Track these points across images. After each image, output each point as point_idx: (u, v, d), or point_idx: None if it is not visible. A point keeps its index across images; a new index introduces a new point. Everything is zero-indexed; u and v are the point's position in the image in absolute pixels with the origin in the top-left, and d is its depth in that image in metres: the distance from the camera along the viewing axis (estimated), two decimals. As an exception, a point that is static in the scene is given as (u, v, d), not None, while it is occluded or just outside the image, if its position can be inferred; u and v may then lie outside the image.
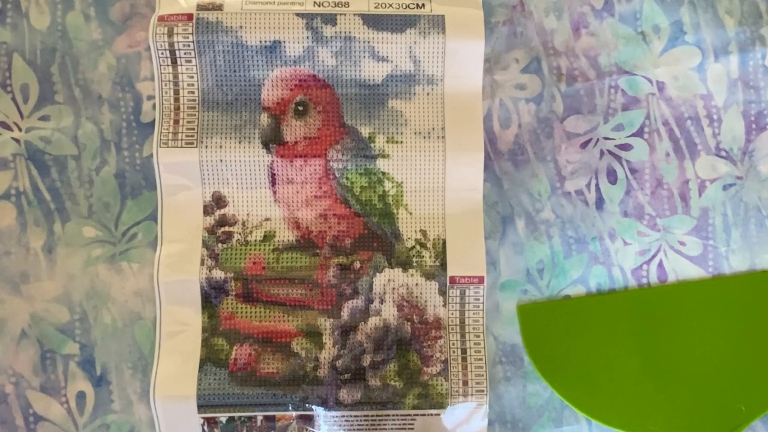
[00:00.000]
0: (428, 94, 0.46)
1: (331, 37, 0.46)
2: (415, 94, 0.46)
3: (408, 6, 0.46)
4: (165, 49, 0.46)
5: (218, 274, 0.45)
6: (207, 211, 0.46)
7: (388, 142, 0.46)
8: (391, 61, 0.46)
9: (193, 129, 0.46)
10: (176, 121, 0.46)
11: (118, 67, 0.47)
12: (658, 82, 0.48)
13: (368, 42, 0.46)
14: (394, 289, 0.46)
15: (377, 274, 0.46)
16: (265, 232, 0.46)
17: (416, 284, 0.46)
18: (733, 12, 0.48)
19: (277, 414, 0.45)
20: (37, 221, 0.46)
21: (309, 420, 0.45)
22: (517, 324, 0.46)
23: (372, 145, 0.46)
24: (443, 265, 0.46)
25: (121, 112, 0.47)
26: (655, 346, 0.46)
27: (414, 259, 0.46)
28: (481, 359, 0.46)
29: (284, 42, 0.46)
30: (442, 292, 0.46)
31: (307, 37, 0.46)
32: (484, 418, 0.45)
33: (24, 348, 0.45)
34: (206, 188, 0.46)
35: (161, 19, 0.46)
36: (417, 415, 0.45)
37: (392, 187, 0.46)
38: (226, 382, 0.45)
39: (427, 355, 0.45)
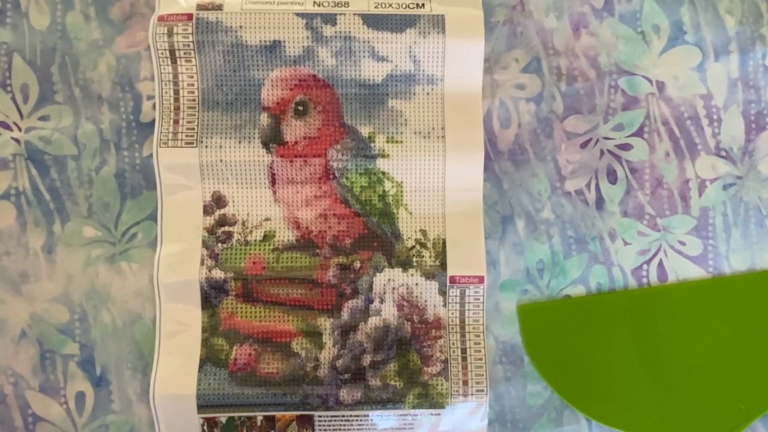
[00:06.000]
0: (428, 93, 0.46)
1: (331, 36, 0.46)
2: (415, 93, 0.46)
3: (408, 6, 0.46)
4: (165, 49, 0.46)
5: (218, 274, 0.45)
6: (207, 211, 0.46)
7: (388, 141, 0.46)
8: (391, 61, 0.46)
9: (193, 129, 0.46)
10: (176, 121, 0.46)
11: (118, 67, 0.47)
12: (658, 82, 0.48)
13: (368, 42, 0.46)
14: (394, 288, 0.46)
15: (377, 273, 0.46)
16: (265, 232, 0.46)
17: (416, 284, 0.46)
18: (734, 11, 0.48)
19: (277, 414, 0.45)
20: (36, 221, 0.46)
21: (309, 420, 0.45)
22: (517, 324, 0.46)
23: (372, 144, 0.46)
24: (443, 265, 0.46)
25: (120, 112, 0.47)
26: (655, 346, 0.46)
27: (414, 259, 0.46)
28: (481, 359, 0.46)
29: (284, 42, 0.46)
30: (442, 292, 0.46)
31: (307, 37, 0.46)
32: (484, 418, 0.45)
33: (23, 348, 0.45)
34: (206, 188, 0.46)
35: (161, 19, 0.46)
36: (417, 414, 0.45)
37: (392, 186, 0.46)
38: (226, 382, 0.45)
39: (427, 354, 0.45)
